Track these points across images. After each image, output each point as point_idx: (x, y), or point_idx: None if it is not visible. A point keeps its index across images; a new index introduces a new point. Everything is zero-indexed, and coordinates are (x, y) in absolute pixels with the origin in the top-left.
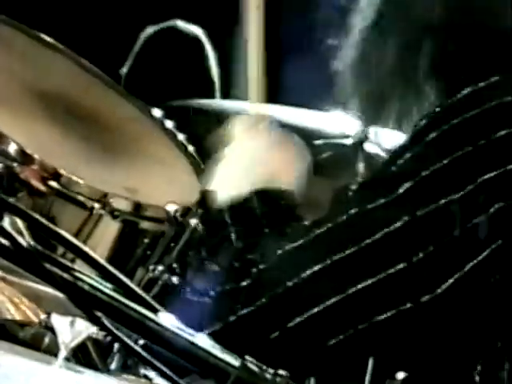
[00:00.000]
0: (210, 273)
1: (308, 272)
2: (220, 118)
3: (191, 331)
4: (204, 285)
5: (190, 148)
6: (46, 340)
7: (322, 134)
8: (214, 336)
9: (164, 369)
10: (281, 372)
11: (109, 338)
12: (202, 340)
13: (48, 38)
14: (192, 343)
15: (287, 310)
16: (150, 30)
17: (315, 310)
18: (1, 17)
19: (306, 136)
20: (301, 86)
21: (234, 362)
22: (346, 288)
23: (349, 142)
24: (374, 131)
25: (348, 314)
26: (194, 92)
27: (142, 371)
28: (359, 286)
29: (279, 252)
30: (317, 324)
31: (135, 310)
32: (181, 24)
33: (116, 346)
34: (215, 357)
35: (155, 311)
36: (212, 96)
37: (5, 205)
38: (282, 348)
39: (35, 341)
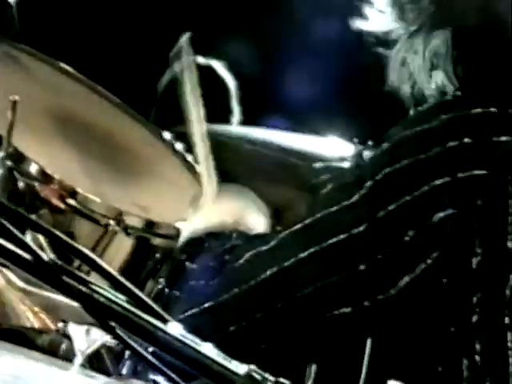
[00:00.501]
0: (188, 272)
1: (274, 269)
2: (225, 144)
3: (198, 340)
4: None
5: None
6: (63, 347)
7: (320, 157)
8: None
9: (171, 374)
10: (282, 380)
11: (120, 346)
12: (208, 349)
13: (68, 68)
14: (198, 352)
15: (249, 305)
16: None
17: (279, 304)
18: (26, 48)
19: (306, 159)
20: (299, 112)
21: (239, 370)
22: (307, 285)
23: (346, 164)
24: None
25: (309, 308)
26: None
27: (151, 376)
28: (319, 284)
29: (250, 253)
30: (280, 317)
31: (146, 321)
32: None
33: (127, 352)
34: (220, 365)
35: (165, 321)
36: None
37: (27, 221)
38: (241, 340)
39: (52, 347)
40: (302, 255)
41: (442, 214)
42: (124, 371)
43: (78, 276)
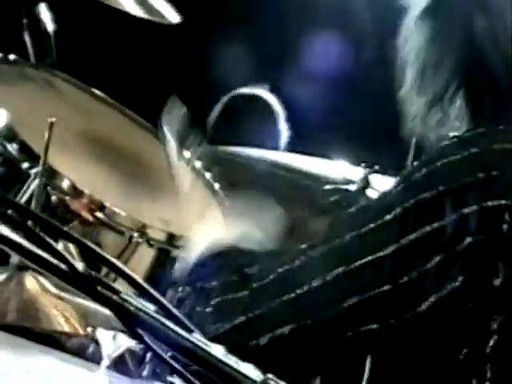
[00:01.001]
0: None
1: (304, 288)
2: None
3: (220, 348)
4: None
5: (216, 186)
6: (90, 350)
7: (329, 179)
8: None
9: (191, 377)
10: None
11: (143, 350)
12: (229, 357)
13: (99, 93)
14: (220, 360)
15: (280, 321)
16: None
17: (308, 321)
18: (62, 74)
19: (316, 181)
20: (310, 135)
21: (257, 378)
22: (337, 304)
23: (353, 187)
24: (376, 178)
25: (337, 325)
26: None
27: (169, 378)
28: (345, 305)
29: (277, 270)
30: (308, 333)
31: (173, 330)
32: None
33: (148, 356)
34: (239, 372)
35: (190, 331)
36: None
37: (60, 232)
38: (272, 355)
39: (81, 350)
40: (330, 276)
41: (470, 240)
42: (145, 373)
43: (110, 286)
